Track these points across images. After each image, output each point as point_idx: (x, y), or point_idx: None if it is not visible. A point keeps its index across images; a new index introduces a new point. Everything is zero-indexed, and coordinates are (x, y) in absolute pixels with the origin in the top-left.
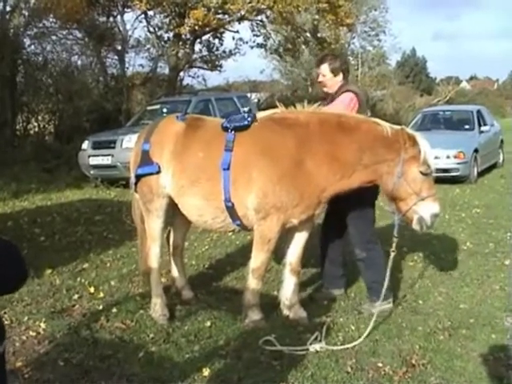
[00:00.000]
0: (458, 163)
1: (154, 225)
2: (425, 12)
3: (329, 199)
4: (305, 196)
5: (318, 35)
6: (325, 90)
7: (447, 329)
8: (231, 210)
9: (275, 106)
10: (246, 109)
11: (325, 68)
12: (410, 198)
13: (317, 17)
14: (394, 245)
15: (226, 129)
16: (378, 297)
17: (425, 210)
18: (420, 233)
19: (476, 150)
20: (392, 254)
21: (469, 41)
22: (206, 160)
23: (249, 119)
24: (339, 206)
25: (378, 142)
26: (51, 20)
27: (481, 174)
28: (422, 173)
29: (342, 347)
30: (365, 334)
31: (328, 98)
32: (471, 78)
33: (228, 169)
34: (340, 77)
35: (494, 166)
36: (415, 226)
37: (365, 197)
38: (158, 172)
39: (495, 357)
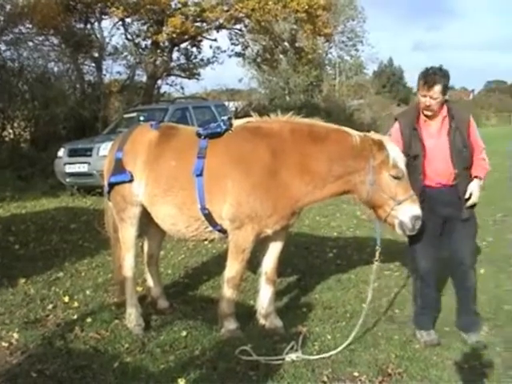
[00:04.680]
0: None
1: (127, 234)
2: (405, 23)
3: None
4: (278, 206)
5: (296, 45)
6: (429, 113)
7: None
8: (209, 217)
9: (250, 115)
10: (225, 117)
11: (438, 90)
12: (387, 204)
13: (295, 26)
14: (377, 254)
15: (199, 135)
16: (479, 324)
17: (404, 213)
18: (403, 236)
19: None
20: (376, 264)
21: (447, 52)
22: (178, 169)
23: (223, 127)
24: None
25: (347, 151)
26: (27, 26)
27: None
28: (393, 176)
29: (319, 357)
30: (343, 346)
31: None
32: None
33: (201, 175)
34: (446, 95)
35: None
36: (398, 231)
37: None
38: (131, 180)
39: (470, 365)
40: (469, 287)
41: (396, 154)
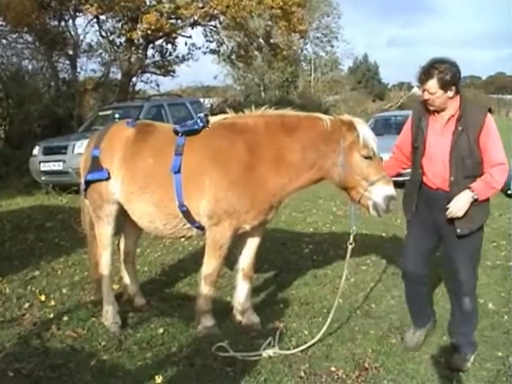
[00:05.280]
0: None
1: (104, 231)
2: (380, 19)
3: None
4: (256, 201)
5: (271, 41)
6: (432, 108)
7: (400, 332)
8: (187, 214)
9: (226, 112)
10: (201, 114)
11: (433, 84)
12: (360, 185)
13: (270, 23)
14: (351, 237)
15: (176, 133)
16: (471, 350)
17: (377, 194)
18: (381, 217)
19: None
20: (350, 247)
21: (422, 48)
22: (156, 166)
23: (200, 124)
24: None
25: (318, 136)
26: (0, 23)
27: None
28: (364, 157)
29: (295, 350)
30: (317, 337)
31: (433, 113)
32: None
33: (178, 172)
34: (452, 91)
35: None
36: (372, 212)
37: (479, 233)
38: (108, 178)
39: (446, 358)
40: (465, 312)
41: (366, 133)
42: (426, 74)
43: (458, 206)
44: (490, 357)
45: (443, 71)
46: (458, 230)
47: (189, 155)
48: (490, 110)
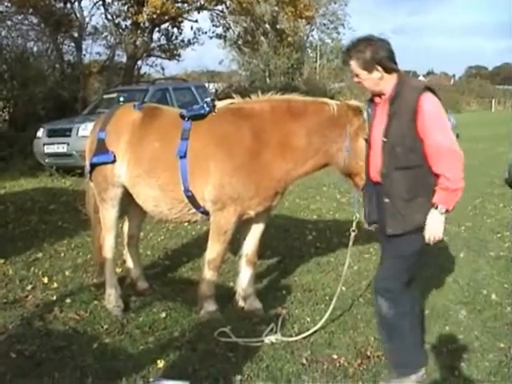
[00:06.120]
0: None
1: (108, 214)
2: (387, 7)
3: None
4: (261, 187)
5: (277, 27)
6: (370, 93)
7: None
8: (192, 199)
9: (232, 97)
10: (208, 99)
11: (354, 65)
12: (364, 171)
13: (276, 8)
14: (354, 223)
15: (183, 117)
16: (406, 368)
17: None
18: None
19: None
20: (353, 234)
21: (429, 36)
22: (162, 150)
23: (206, 108)
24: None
25: (325, 121)
26: (6, 4)
27: None
28: None
29: (297, 338)
30: (319, 325)
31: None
32: (428, 73)
33: (184, 157)
34: (378, 72)
35: None
36: None
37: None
38: (114, 161)
39: (448, 348)
40: (383, 317)
41: None
42: (346, 54)
43: (431, 229)
44: (493, 348)
45: (362, 50)
46: (389, 230)
47: (195, 140)
48: (430, 89)
